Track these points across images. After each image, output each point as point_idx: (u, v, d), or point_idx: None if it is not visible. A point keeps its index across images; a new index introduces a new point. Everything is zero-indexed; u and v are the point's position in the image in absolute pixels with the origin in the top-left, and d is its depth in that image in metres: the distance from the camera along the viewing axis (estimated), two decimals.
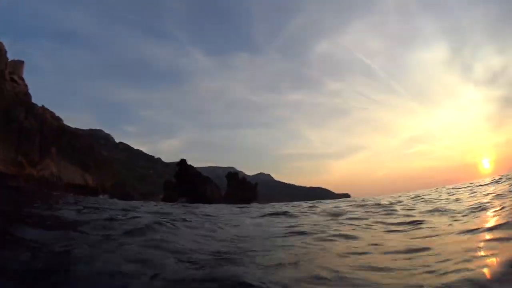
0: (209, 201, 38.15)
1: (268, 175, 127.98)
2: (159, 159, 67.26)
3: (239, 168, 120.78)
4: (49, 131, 30.47)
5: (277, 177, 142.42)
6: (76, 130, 38.19)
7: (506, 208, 5.77)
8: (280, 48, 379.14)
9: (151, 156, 67.84)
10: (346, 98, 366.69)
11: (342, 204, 15.27)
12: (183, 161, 47.33)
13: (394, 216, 8.09)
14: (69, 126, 34.52)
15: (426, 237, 4.58)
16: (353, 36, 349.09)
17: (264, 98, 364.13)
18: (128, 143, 69.36)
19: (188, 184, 42.69)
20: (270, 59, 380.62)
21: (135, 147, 67.81)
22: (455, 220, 5.83)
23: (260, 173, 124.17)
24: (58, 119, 33.62)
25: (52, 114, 32.98)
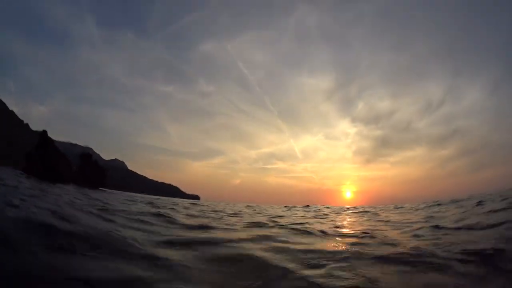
0: (61, 180, 43.01)
1: (123, 162, 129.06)
2: (27, 125, 63.94)
3: (96, 149, 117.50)
4: None
5: (131, 166, 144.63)
6: None
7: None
8: (167, 38, 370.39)
9: (21, 120, 63.56)
10: (215, 101, 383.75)
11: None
12: (44, 134, 49.26)
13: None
14: None
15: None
16: (240, 45, 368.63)
17: (136, 83, 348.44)
18: (5, 100, 62.40)
19: (45, 158, 45.91)
20: (153, 46, 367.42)
21: (10, 107, 61.70)
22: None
23: (115, 159, 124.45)
24: None
25: None
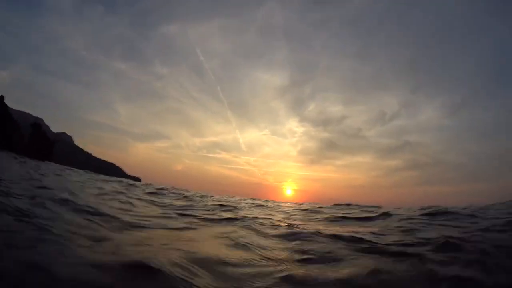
0: (12, 149, 45.92)
1: (70, 137, 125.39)
2: None
3: (47, 121, 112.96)
4: None
5: (77, 141, 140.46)
6: None
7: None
8: (134, 14, 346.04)
9: None
10: (167, 84, 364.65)
11: None
12: (1, 99, 51.15)
13: None
14: None
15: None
16: (202, 31, 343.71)
17: (95, 57, 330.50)
18: None
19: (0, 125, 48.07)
20: (118, 22, 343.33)
21: None
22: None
23: (64, 132, 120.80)
24: None
25: None
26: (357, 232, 5.92)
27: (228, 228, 6.42)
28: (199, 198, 14.60)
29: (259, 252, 4.43)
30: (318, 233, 5.70)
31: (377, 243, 4.97)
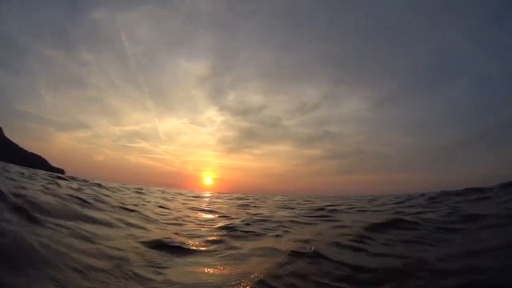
0: None
1: (1, 128, 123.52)
2: None
3: None
4: None
5: (8, 133, 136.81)
6: None
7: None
8: None
9: None
10: (91, 71, 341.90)
11: None
12: None
13: None
14: None
15: None
16: (130, 17, 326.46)
17: (27, 42, 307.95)
18: None
19: None
20: (52, 3, 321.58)
21: None
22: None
23: None
24: None
25: None
26: None
27: None
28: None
29: None
30: None
31: None
